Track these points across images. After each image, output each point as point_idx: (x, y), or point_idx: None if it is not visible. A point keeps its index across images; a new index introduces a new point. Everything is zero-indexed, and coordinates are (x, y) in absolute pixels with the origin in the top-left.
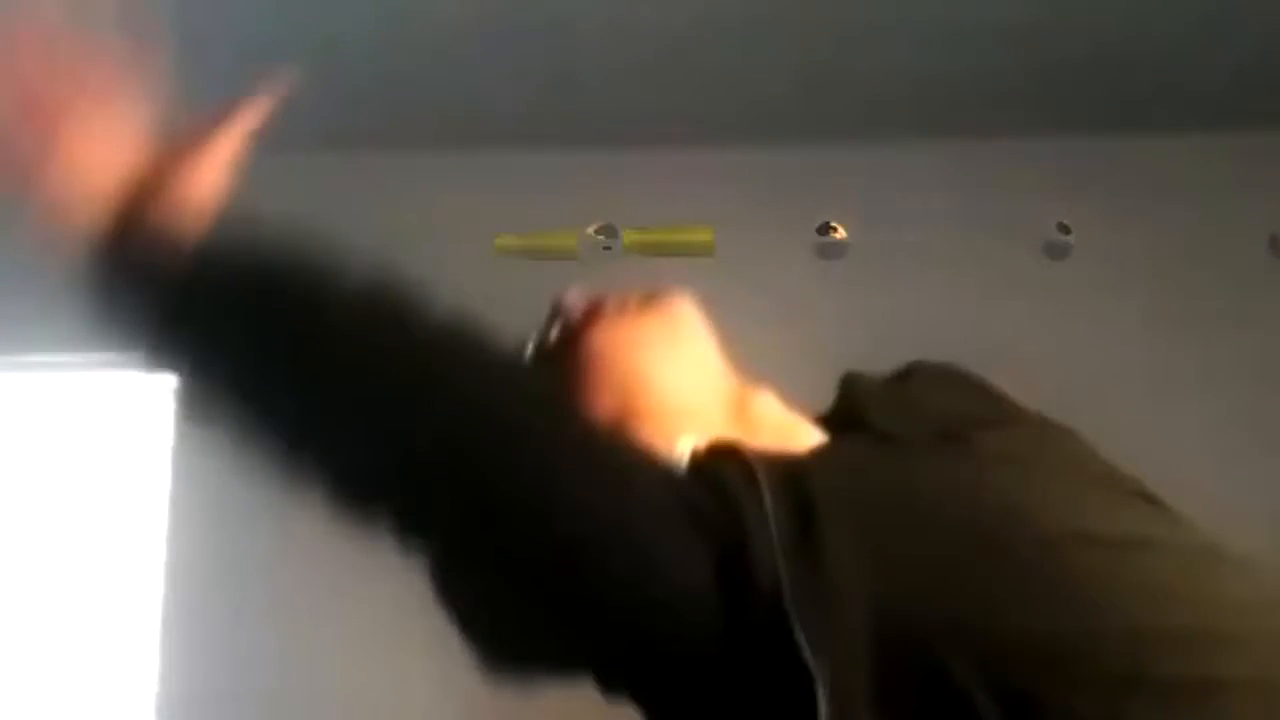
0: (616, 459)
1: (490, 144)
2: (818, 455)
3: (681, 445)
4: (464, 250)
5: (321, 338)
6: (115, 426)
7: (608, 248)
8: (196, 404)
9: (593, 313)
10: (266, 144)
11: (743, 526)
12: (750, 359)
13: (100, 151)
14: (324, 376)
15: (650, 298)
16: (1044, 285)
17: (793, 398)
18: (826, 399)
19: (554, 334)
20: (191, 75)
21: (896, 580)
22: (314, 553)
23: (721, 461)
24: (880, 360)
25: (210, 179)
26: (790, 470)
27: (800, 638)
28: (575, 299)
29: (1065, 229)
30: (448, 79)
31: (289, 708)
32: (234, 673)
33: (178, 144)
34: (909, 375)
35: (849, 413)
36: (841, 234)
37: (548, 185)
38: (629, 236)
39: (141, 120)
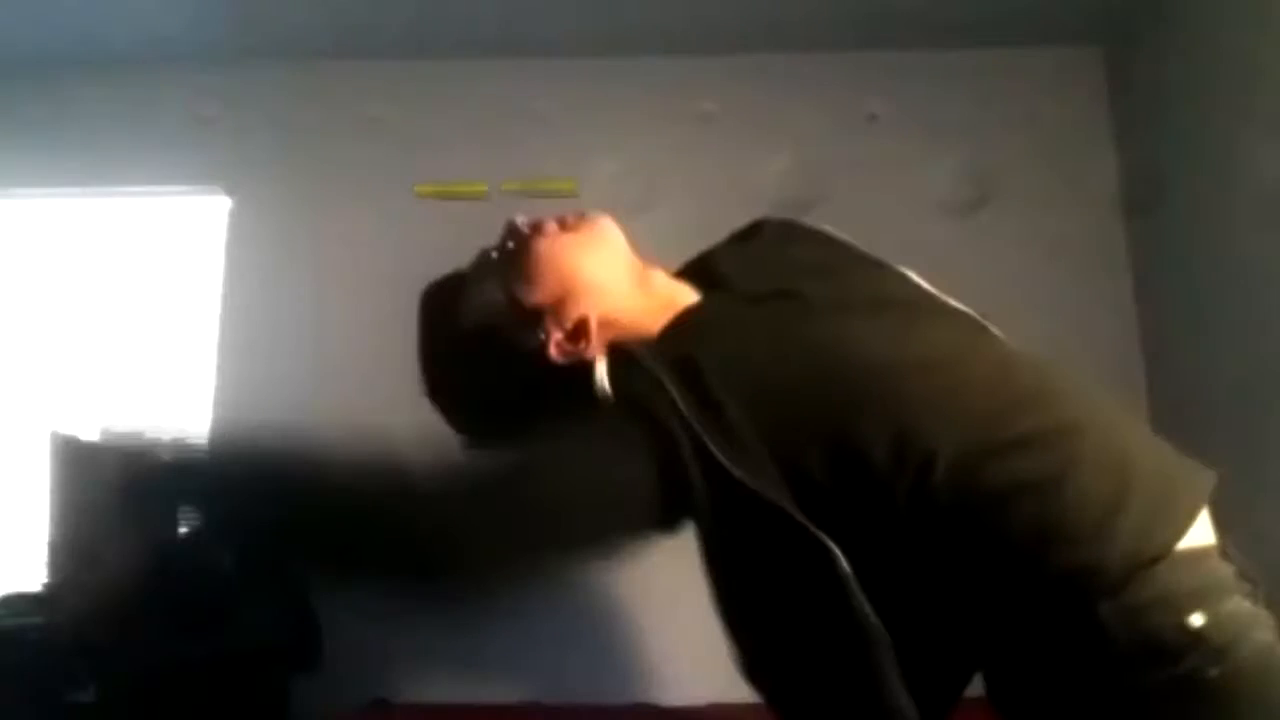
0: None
1: None
2: (697, 324)
3: (599, 373)
4: None
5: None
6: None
7: None
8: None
9: (536, 229)
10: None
11: (666, 427)
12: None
13: None
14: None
15: (580, 216)
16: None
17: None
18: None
19: (508, 246)
20: None
21: (763, 404)
22: None
23: (632, 380)
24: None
25: None
26: (678, 354)
27: (723, 459)
28: (522, 221)
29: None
30: None
31: None
32: None
33: None
34: (756, 231)
35: (712, 278)
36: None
37: None
38: None
39: None
